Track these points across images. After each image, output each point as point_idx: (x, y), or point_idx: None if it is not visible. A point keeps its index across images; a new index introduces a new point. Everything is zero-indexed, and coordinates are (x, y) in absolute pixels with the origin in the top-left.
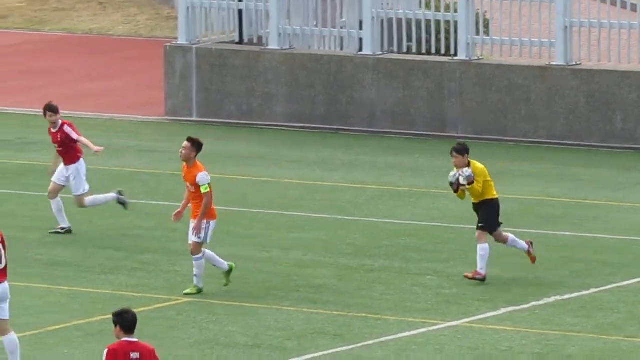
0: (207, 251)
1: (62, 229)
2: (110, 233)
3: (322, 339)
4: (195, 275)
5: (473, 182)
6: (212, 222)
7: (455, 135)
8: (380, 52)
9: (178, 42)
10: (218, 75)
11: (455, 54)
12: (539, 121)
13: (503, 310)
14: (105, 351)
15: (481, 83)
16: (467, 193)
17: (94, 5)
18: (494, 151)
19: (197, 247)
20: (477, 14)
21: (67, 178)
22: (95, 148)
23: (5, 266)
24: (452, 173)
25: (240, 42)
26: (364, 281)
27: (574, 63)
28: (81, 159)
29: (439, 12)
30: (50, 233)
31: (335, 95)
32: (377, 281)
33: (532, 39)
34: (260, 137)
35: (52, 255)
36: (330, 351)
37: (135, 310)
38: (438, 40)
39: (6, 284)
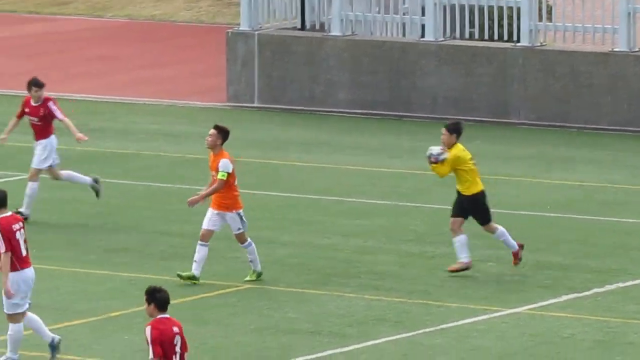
0: (205, 250)
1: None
2: (171, 219)
3: (383, 325)
4: (251, 261)
5: (437, 163)
6: (241, 211)
7: (518, 121)
8: (443, 39)
9: (240, 29)
10: (280, 62)
11: (518, 40)
12: (601, 107)
13: (564, 298)
14: (149, 328)
15: (544, 69)
16: (456, 173)
17: None
18: (556, 137)
19: (242, 236)
20: (540, 0)
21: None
22: (78, 135)
23: (28, 252)
24: (430, 148)
25: (302, 28)
26: (425, 268)
27: (637, 49)
28: (53, 135)
29: None
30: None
31: (397, 81)
32: (438, 268)
33: (595, 25)
34: (322, 123)
35: (113, 241)
36: (390, 338)
37: (196, 297)
38: (501, 26)
39: (32, 268)
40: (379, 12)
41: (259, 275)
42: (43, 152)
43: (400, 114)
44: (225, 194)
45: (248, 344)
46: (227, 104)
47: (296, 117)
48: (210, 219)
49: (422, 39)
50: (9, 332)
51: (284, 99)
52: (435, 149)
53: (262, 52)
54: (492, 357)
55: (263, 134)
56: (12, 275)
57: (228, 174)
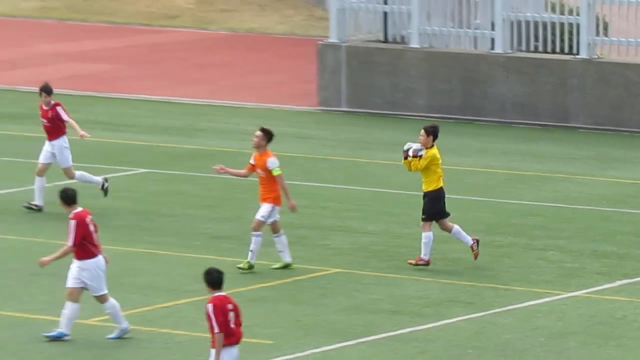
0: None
1: (36, 205)
2: None
3: (456, 306)
4: (251, 250)
5: (417, 156)
6: (277, 208)
7: (577, 125)
8: (510, 51)
9: (329, 41)
10: (365, 71)
11: (577, 53)
12: None
13: (618, 283)
14: (211, 305)
15: (600, 79)
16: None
17: (255, 7)
18: (611, 140)
19: (260, 225)
20: (597, 17)
21: (53, 154)
22: (81, 132)
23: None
24: (408, 143)
25: (385, 41)
26: (493, 255)
27: None
28: (64, 136)
29: (563, 15)
30: (24, 206)
31: (470, 89)
32: (505, 255)
33: None
34: (403, 126)
35: (218, 230)
36: (463, 317)
37: (290, 279)
38: (562, 40)
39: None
40: (453, 27)
41: (251, 267)
42: (59, 155)
43: (472, 118)
44: (270, 187)
45: (337, 322)
46: (318, 108)
47: (379, 120)
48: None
49: (492, 51)
50: (107, 311)
51: (368, 104)
52: (416, 145)
53: (349, 62)
54: (554, 335)
55: (350, 135)
56: (90, 262)
57: (279, 168)
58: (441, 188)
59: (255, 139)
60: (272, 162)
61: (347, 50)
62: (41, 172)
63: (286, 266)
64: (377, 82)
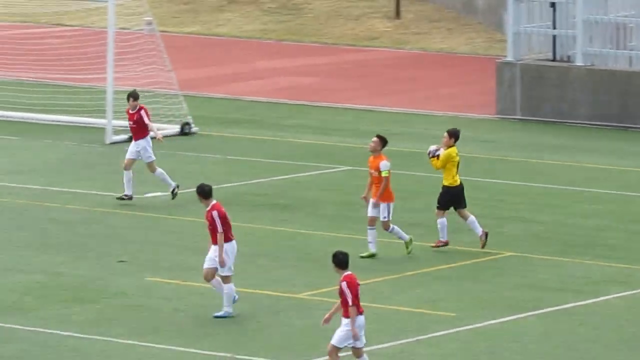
0: (373, 233)
1: (126, 196)
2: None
3: (613, 285)
4: (400, 238)
5: (435, 156)
6: (391, 204)
7: None
8: None
9: (507, 59)
10: (536, 85)
11: None
12: None
13: None
14: (345, 283)
15: None
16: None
17: (443, 31)
18: None
19: (386, 224)
20: None
21: (138, 152)
22: (158, 135)
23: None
24: (431, 146)
25: (554, 59)
26: None
27: None
28: (147, 137)
29: None
30: (117, 198)
31: (625, 101)
32: None
33: None
34: (568, 132)
35: (410, 218)
36: (618, 295)
37: (470, 261)
38: None
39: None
40: (612, 48)
41: (411, 241)
42: (143, 152)
43: (628, 125)
44: (379, 185)
45: (511, 297)
46: (496, 116)
47: (548, 127)
48: (372, 207)
49: None
50: (225, 291)
51: (539, 112)
52: (433, 147)
53: (523, 77)
54: None
55: (523, 139)
56: (227, 245)
57: (389, 171)
58: (459, 184)
59: (372, 144)
60: (384, 165)
61: (522, 67)
62: (127, 167)
63: (371, 256)
64: (546, 94)
